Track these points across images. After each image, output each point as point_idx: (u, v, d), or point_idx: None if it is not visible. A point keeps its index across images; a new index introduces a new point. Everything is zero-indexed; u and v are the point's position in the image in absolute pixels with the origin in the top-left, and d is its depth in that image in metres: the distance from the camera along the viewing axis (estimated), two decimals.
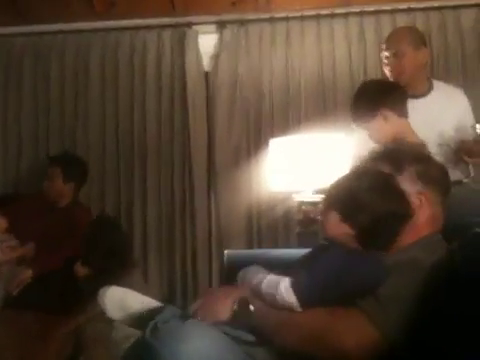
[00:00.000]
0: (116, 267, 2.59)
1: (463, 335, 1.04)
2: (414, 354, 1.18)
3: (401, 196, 1.32)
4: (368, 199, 1.27)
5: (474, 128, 2.21)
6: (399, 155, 1.45)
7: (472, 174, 2.30)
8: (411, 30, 2.61)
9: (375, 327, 1.19)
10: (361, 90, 2.30)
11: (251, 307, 1.28)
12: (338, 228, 1.30)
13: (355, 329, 1.20)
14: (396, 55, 2.36)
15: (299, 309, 1.23)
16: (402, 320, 1.19)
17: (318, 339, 1.21)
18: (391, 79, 2.39)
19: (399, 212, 1.29)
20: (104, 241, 2.61)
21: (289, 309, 1.24)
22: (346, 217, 1.29)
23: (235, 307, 1.29)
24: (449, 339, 1.08)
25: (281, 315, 1.25)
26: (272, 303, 1.26)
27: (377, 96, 2.16)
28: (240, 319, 1.28)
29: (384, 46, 2.44)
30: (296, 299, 1.22)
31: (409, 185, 1.38)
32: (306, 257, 1.42)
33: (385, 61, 2.42)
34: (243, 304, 1.29)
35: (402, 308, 1.20)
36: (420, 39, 2.45)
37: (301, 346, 1.23)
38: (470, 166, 2.30)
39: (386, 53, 2.41)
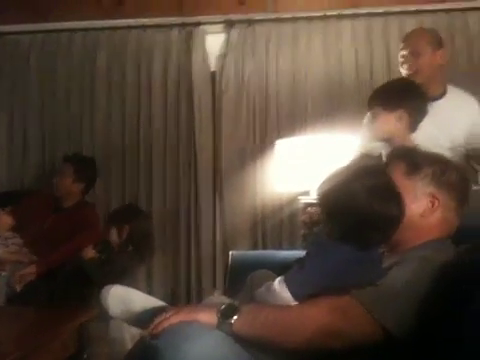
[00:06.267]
0: (131, 256, 2.65)
1: (467, 334, 1.04)
2: (417, 349, 1.17)
3: (391, 197, 1.28)
4: (354, 203, 1.25)
5: None
6: (417, 155, 1.45)
7: None
8: (430, 31, 2.60)
9: (371, 315, 1.18)
10: (402, 81, 2.33)
11: (233, 319, 1.22)
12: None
13: (347, 314, 1.19)
14: (413, 54, 2.36)
15: (293, 303, 1.23)
16: (401, 309, 1.18)
17: (315, 330, 1.19)
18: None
19: (387, 214, 1.26)
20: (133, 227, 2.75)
21: (285, 304, 1.24)
22: (332, 221, 1.29)
23: (219, 314, 1.23)
24: (452, 337, 1.07)
25: (272, 315, 1.23)
26: (270, 302, 1.26)
27: (410, 97, 2.15)
28: (223, 327, 1.22)
29: (402, 45, 2.44)
30: (289, 293, 1.23)
31: (422, 186, 1.37)
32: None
33: (402, 60, 2.41)
34: (228, 310, 1.24)
35: (400, 297, 1.19)
36: (438, 41, 2.45)
37: (298, 341, 1.21)
38: (479, 173, 2.29)
39: (404, 52, 2.40)
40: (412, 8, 3.26)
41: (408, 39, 2.46)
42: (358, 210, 1.25)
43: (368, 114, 2.46)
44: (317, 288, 1.23)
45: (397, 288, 1.20)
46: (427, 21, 3.23)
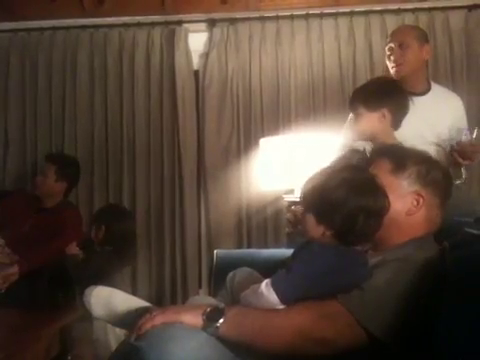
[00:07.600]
0: (109, 256, 2.63)
1: (451, 331, 1.05)
2: (402, 348, 1.18)
3: (375, 190, 1.30)
4: (338, 198, 1.26)
5: (471, 131, 2.24)
6: (403, 153, 1.46)
7: (464, 176, 2.32)
8: (416, 27, 2.69)
9: (355, 320, 1.19)
10: (382, 79, 2.35)
11: (220, 321, 1.21)
12: (316, 230, 1.30)
13: (334, 322, 1.20)
14: (401, 46, 2.40)
15: (280, 306, 1.23)
16: (387, 314, 1.19)
17: (301, 336, 1.20)
18: (393, 71, 2.42)
19: (373, 207, 1.27)
20: (116, 227, 2.77)
21: (271, 307, 1.23)
22: (321, 219, 1.29)
23: (204, 317, 1.23)
24: (437, 335, 1.08)
25: (258, 320, 1.23)
26: (256, 305, 1.25)
27: (392, 94, 2.16)
28: (209, 329, 1.22)
29: (389, 38, 2.49)
30: (276, 296, 1.22)
31: (407, 184, 1.38)
32: (290, 256, 1.42)
33: (388, 52, 2.45)
34: (214, 314, 1.23)
35: (386, 301, 1.20)
36: (424, 36, 2.50)
37: (284, 346, 1.21)
38: (462, 168, 2.32)
39: (391, 44, 2.44)
40: (394, 7, 3.29)
41: (395, 33, 2.51)
42: (341, 206, 1.26)
43: (351, 115, 2.47)
44: (304, 292, 1.23)
45: (382, 292, 1.21)
46: (408, 19, 3.26)
